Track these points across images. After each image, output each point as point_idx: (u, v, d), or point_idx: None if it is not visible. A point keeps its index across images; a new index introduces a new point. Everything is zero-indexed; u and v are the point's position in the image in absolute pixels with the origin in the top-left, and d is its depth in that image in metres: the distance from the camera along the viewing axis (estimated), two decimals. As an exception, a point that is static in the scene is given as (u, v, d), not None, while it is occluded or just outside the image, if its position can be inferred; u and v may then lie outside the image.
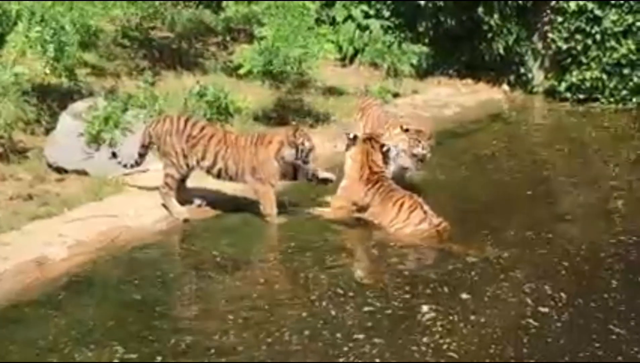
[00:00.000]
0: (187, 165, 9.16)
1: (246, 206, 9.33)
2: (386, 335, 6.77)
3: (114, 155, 9.41)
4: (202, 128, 9.23)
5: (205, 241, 8.74)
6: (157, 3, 13.16)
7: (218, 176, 9.23)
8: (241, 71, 11.83)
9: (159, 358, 6.47)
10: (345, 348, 6.59)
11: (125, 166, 9.43)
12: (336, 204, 9.26)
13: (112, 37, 11.41)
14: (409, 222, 8.74)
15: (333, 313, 7.18)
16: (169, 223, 9.05)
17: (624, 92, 13.97)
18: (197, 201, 9.43)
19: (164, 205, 9.15)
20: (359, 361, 6.42)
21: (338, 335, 6.79)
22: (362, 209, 9.11)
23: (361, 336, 6.77)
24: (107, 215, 8.83)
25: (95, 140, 9.88)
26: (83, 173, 9.78)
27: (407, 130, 9.75)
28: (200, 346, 6.64)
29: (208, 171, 9.21)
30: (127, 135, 9.93)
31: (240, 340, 6.74)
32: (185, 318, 7.17)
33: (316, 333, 6.84)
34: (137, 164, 9.42)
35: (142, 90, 11.18)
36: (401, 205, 8.84)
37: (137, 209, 9.09)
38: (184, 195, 9.33)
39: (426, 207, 8.81)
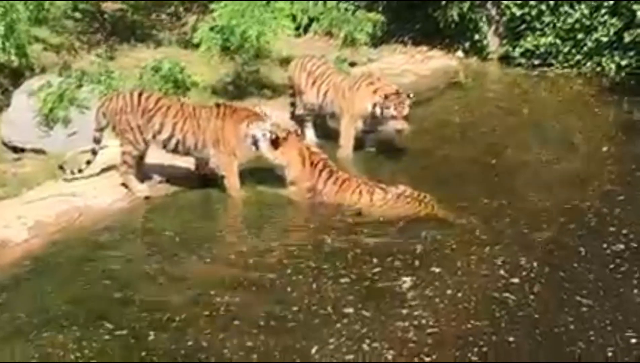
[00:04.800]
0: (145, 140, 8.95)
1: (207, 181, 9.19)
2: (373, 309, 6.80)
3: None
4: (157, 101, 9.01)
5: (168, 219, 8.64)
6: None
7: (174, 149, 9.02)
8: (199, 51, 11.57)
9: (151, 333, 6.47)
10: (339, 325, 6.60)
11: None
12: (294, 196, 9.08)
13: (63, 10, 11.08)
14: (374, 202, 8.68)
15: (314, 287, 7.16)
16: (129, 202, 8.90)
17: (578, 56, 13.92)
18: (158, 178, 9.25)
19: (124, 184, 8.97)
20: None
21: (329, 309, 6.81)
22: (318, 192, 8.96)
23: (350, 310, 6.78)
24: (66, 195, 8.66)
25: (49, 118, 9.65)
26: (40, 151, 9.57)
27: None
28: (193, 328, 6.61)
29: (164, 145, 8.98)
30: (85, 113, 9.70)
31: (234, 314, 6.77)
32: (164, 301, 7.01)
33: (307, 309, 6.83)
34: (94, 153, 9.09)
35: (97, 65, 10.90)
36: (360, 193, 8.77)
37: (97, 188, 8.92)
38: (143, 172, 9.15)
39: (382, 184, 8.79)
